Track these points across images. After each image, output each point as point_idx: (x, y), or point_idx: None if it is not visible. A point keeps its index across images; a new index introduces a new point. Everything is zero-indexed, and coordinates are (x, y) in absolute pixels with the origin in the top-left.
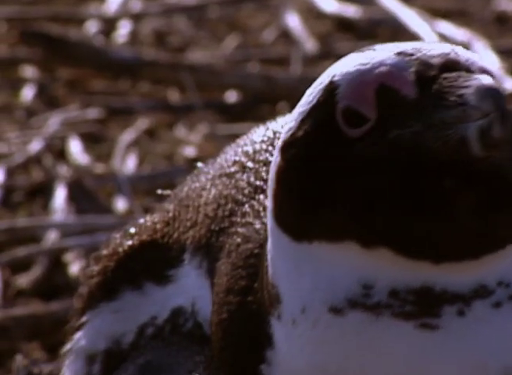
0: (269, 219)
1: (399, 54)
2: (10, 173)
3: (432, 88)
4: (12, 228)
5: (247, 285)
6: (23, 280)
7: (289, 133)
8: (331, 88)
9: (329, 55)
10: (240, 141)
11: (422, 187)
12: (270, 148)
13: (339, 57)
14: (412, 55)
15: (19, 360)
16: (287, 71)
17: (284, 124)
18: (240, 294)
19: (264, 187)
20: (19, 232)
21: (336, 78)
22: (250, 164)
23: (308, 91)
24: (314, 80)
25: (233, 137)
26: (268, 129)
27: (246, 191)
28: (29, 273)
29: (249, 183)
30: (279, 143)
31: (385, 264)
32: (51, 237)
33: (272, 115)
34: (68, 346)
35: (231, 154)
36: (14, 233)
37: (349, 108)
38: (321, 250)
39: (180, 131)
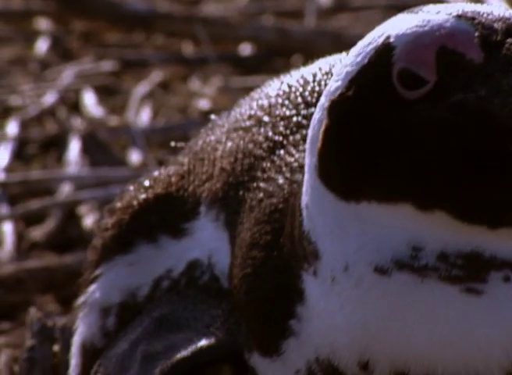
0: (310, 176)
1: (458, 17)
2: (24, 125)
3: (498, 53)
4: (25, 181)
5: (272, 240)
6: (37, 233)
7: (337, 92)
8: (386, 49)
9: (343, 7)
10: (255, 95)
11: (486, 151)
12: (286, 102)
13: (353, 10)
14: (473, 18)
15: (33, 313)
16: (301, 24)
17: (300, 78)
18: (265, 250)
19: (284, 142)
20: (33, 184)
21: (391, 40)
22: (266, 118)
23: (354, 51)
24: (328, 32)
25: (247, 90)
26: (282, 83)
27: (264, 146)
28: (43, 225)
29: (267, 138)
30: (323, 102)
31: (439, 227)
32: (65, 190)
33: (286, 68)
34: (82, 299)
35: (246, 108)
36: (28, 185)
37: (406, 70)
38: (370, 210)
39: (194, 84)
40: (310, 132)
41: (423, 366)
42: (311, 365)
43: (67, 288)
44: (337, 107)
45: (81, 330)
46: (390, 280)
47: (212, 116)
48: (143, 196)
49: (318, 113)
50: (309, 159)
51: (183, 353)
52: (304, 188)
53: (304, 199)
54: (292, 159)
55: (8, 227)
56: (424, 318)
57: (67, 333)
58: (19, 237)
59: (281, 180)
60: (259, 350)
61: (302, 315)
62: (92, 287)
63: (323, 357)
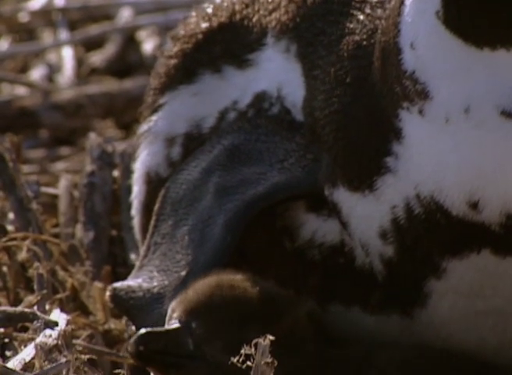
0: (425, 21)
1: None
2: None
3: None
4: (85, 6)
5: (359, 78)
6: (97, 58)
7: None
8: None
9: None
10: None
11: None
12: None
13: None
14: None
15: (93, 138)
16: None
17: None
18: (352, 87)
19: None
20: (93, 10)
21: None
22: None
23: None
24: None
25: None
26: None
27: None
28: (102, 51)
29: None
30: None
31: None
32: (125, 15)
33: None
34: (144, 127)
35: None
36: (87, 11)
37: None
38: (505, 57)
39: None
40: None
41: None
42: (410, 201)
43: (127, 114)
44: None
45: (145, 159)
46: None
47: None
48: (206, 25)
49: None
50: (421, 4)
51: (258, 189)
52: (404, 26)
53: (407, 38)
54: None
55: (67, 53)
56: None
57: (127, 159)
58: (79, 62)
59: (361, 17)
60: (348, 186)
61: (399, 153)
62: (156, 116)
63: (425, 194)
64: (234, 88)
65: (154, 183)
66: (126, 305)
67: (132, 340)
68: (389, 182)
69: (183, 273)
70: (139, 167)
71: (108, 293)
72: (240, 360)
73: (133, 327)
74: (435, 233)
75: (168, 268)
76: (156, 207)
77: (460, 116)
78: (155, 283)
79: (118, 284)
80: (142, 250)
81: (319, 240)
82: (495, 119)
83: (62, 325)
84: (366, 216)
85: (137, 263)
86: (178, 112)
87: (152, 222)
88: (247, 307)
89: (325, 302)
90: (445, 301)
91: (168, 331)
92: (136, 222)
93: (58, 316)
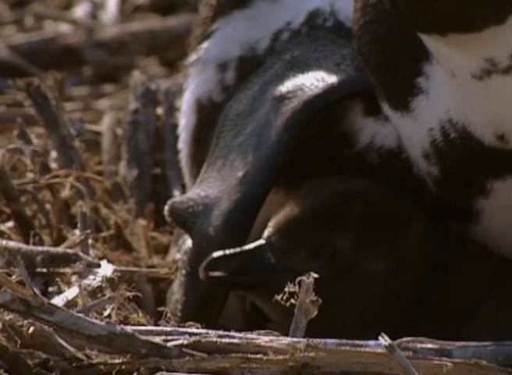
0: None
1: None
2: None
3: None
4: None
5: None
6: None
7: None
8: None
9: None
10: None
11: None
12: None
13: None
14: None
15: (137, 76)
16: None
17: None
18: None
19: None
20: None
21: None
22: None
23: None
24: None
25: None
26: None
27: None
28: None
29: None
30: None
31: None
32: None
33: None
34: (193, 57)
35: None
36: None
37: None
38: None
39: None
40: None
41: None
42: (444, 125)
43: (170, 51)
44: None
45: (195, 87)
46: None
47: None
48: None
49: None
50: None
51: (315, 90)
52: None
53: None
54: None
55: None
56: None
57: (171, 97)
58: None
59: None
60: (389, 103)
61: (430, 73)
62: (206, 44)
63: (457, 120)
64: (287, 9)
65: (206, 110)
66: (184, 215)
67: (203, 264)
68: (422, 103)
69: (240, 174)
70: (188, 97)
71: (166, 207)
72: (284, 298)
73: (189, 241)
74: (474, 158)
75: (226, 174)
76: (217, 127)
77: None
78: (213, 190)
79: (176, 198)
80: (202, 169)
81: (378, 143)
82: None
83: (107, 272)
84: (409, 135)
85: (197, 180)
86: (231, 37)
87: (213, 140)
88: (328, 211)
89: None
90: (497, 218)
91: (243, 251)
92: (183, 154)
93: (105, 266)
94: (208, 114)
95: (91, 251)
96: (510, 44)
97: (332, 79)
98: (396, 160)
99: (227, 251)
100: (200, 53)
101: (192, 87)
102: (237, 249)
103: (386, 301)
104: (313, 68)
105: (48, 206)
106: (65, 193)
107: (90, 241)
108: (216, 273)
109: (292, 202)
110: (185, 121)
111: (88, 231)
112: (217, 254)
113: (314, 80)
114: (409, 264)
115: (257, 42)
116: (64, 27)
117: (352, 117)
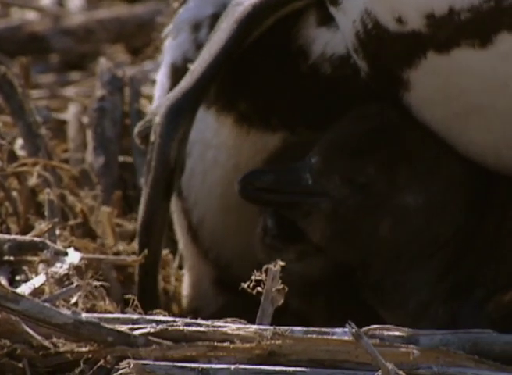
0: None
1: None
2: None
3: None
4: None
5: None
6: None
7: None
8: None
9: None
10: None
11: None
12: None
13: None
14: None
15: (103, 63)
16: None
17: None
18: None
19: None
20: None
21: None
22: None
23: None
24: None
25: None
26: None
27: None
28: None
29: None
30: None
31: None
32: None
33: None
34: (168, 28)
35: None
36: None
37: None
38: None
39: None
40: None
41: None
42: (363, 15)
43: (137, 38)
44: None
45: (169, 55)
46: None
47: None
48: None
49: None
50: None
51: None
52: None
53: None
54: None
55: None
56: None
57: (136, 83)
58: None
59: None
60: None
61: None
62: (181, 10)
63: (370, 9)
64: None
65: (181, 71)
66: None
67: (239, 177)
68: None
69: (191, 68)
70: (163, 66)
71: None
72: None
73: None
74: (386, 48)
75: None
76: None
77: None
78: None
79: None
80: None
81: (330, 51)
82: None
83: (74, 260)
84: (343, 31)
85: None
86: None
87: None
88: (365, 142)
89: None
90: (424, 111)
91: (282, 168)
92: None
93: (72, 253)
94: (183, 75)
95: (58, 240)
96: None
97: None
98: (347, 66)
99: (265, 168)
100: (174, 20)
101: (166, 58)
102: (277, 166)
103: (428, 237)
104: None
105: (15, 194)
106: (33, 181)
107: (57, 230)
108: (251, 187)
109: (337, 128)
110: (160, 88)
111: (56, 220)
112: (255, 169)
113: None
114: (448, 200)
115: None
116: (30, 15)
117: (306, 29)
